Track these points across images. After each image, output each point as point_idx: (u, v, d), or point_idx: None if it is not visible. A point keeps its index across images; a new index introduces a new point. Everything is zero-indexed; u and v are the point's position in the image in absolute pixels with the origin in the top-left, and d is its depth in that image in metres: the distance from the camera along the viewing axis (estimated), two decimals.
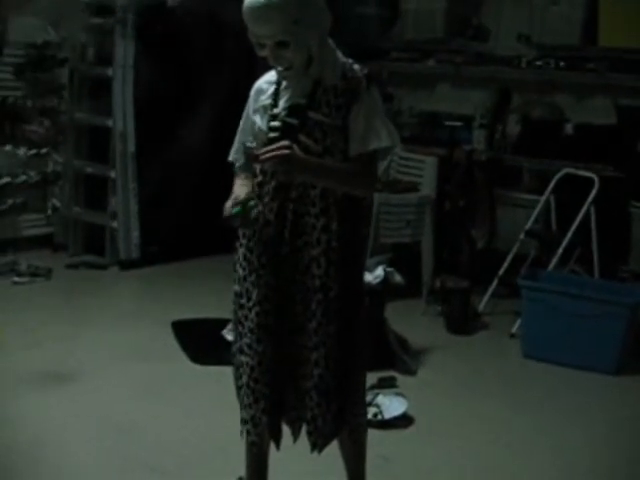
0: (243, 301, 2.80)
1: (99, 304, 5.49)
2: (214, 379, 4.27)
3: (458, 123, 6.30)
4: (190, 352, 4.59)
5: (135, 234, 6.20)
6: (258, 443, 2.89)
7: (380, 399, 4.00)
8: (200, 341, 4.72)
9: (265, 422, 2.80)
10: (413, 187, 5.96)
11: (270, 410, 2.80)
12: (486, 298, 5.77)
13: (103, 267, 6.19)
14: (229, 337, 4.63)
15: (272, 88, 2.73)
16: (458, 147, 6.16)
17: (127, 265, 6.12)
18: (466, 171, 6.22)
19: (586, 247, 5.56)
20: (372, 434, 3.80)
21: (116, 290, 6.03)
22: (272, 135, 2.65)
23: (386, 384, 4.27)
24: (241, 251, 2.79)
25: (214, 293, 4.86)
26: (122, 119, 6.11)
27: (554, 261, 5.47)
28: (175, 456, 3.58)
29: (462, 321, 5.40)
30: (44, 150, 6.30)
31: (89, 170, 6.42)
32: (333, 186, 2.67)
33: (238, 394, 2.89)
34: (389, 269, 4.59)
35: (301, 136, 2.61)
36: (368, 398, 3.86)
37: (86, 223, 6.52)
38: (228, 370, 4.28)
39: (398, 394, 4.09)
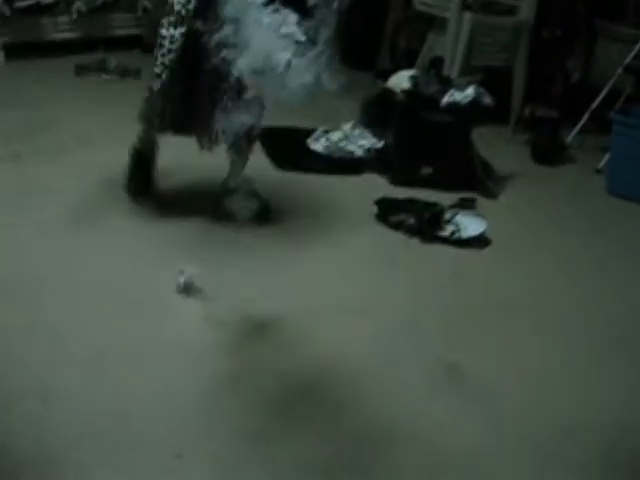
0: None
1: None
2: (296, 185, 4.35)
3: None
4: (274, 159, 4.61)
5: None
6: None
7: (459, 218, 4.00)
8: (284, 148, 4.72)
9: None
10: (511, 10, 5.74)
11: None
12: (575, 131, 5.64)
13: None
14: (313, 146, 4.67)
15: None
16: None
17: None
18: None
19: None
20: (448, 251, 3.87)
21: None
22: None
23: (466, 204, 4.27)
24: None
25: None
26: None
27: None
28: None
29: (548, 151, 5.31)
30: None
31: None
32: None
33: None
34: (479, 89, 4.48)
35: None
36: (447, 216, 3.89)
37: None
38: (310, 177, 4.36)
39: (478, 215, 4.08)
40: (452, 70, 5.44)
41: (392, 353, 3.08)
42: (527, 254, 4.01)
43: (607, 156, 5.21)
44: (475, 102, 4.43)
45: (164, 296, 3.21)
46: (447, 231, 3.91)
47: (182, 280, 3.18)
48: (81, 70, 5.79)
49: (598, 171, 5.26)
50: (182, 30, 3.51)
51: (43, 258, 3.39)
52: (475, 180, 4.52)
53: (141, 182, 3.94)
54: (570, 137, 5.63)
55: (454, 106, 4.39)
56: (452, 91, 4.41)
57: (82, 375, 2.72)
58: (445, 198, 4.35)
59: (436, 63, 5.57)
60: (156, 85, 3.58)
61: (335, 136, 4.71)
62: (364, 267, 3.64)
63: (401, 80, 4.54)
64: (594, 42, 6.20)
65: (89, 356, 2.81)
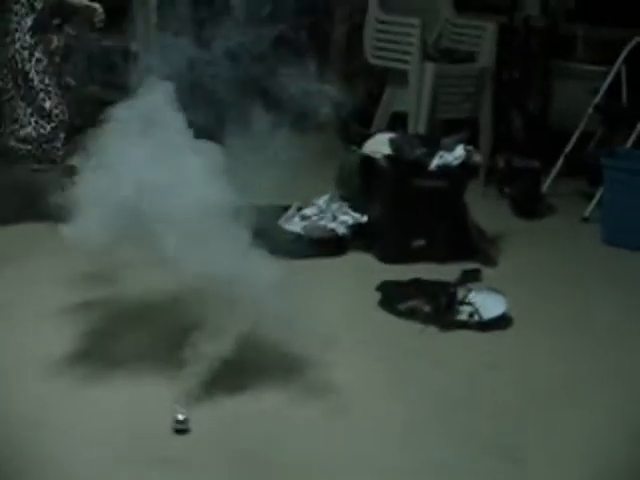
0: None
1: None
2: None
3: None
4: None
5: None
6: None
7: (474, 296, 3.53)
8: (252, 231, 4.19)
9: None
10: (469, 56, 5.36)
11: None
12: (550, 178, 5.29)
13: None
14: (287, 226, 4.16)
15: None
16: (517, 12, 5.57)
17: None
18: (523, 40, 5.66)
19: None
20: (471, 338, 3.39)
21: None
22: None
23: (471, 277, 3.81)
24: None
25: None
26: None
27: (632, 138, 4.96)
28: None
29: (532, 204, 4.92)
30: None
31: (107, 43, 5.77)
32: None
33: None
34: (468, 148, 4.06)
35: None
36: (460, 295, 3.44)
37: (103, 102, 5.91)
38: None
39: (492, 290, 3.62)
40: (418, 126, 5.03)
41: (445, 461, 2.58)
42: (551, 329, 3.56)
43: (593, 203, 4.88)
44: (466, 163, 3.99)
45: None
46: (464, 313, 3.44)
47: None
48: None
49: (585, 219, 4.91)
50: None
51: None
52: (473, 248, 4.07)
53: None
54: (546, 185, 5.27)
55: (445, 169, 3.95)
56: (441, 152, 3.96)
57: None
58: (443, 272, 3.91)
59: (397, 120, 5.16)
60: None
61: (309, 212, 4.20)
62: (384, 365, 3.13)
63: (379, 145, 4.08)
64: (550, 81, 5.91)
65: None
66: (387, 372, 3.10)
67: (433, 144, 4.07)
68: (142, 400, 2.79)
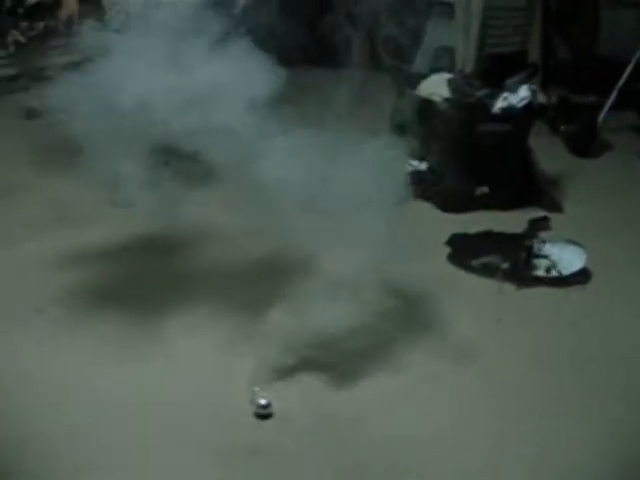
0: None
1: None
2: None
3: None
4: None
5: None
6: None
7: (549, 248, 3.32)
8: None
9: None
10: None
11: None
12: (604, 112, 5.02)
13: None
14: None
15: None
16: None
17: None
18: None
19: None
20: (547, 293, 3.19)
21: None
22: None
23: (540, 226, 3.60)
24: None
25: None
26: None
27: None
28: None
29: (588, 142, 4.66)
30: None
31: None
32: None
33: None
34: (533, 88, 3.80)
35: None
36: (534, 248, 3.23)
37: None
38: None
39: (568, 241, 3.40)
40: (466, 62, 4.76)
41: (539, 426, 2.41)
42: (630, 282, 3.34)
43: None
44: (531, 104, 3.74)
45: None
46: (541, 268, 3.23)
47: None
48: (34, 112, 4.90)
49: None
50: None
51: None
52: (538, 194, 3.84)
53: None
54: (600, 119, 5.01)
55: (509, 112, 3.70)
56: (505, 94, 3.71)
57: None
58: (508, 220, 3.71)
59: (444, 55, 4.89)
60: None
61: None
62: (472, 327, 2.92)
63: (437, 86, 3.83)
64: (599, 9, 5.62)
65: None
66: (473, 335, 2.91)
67: (494, 84, 3.81)
68: (215, 377, 2.60)
